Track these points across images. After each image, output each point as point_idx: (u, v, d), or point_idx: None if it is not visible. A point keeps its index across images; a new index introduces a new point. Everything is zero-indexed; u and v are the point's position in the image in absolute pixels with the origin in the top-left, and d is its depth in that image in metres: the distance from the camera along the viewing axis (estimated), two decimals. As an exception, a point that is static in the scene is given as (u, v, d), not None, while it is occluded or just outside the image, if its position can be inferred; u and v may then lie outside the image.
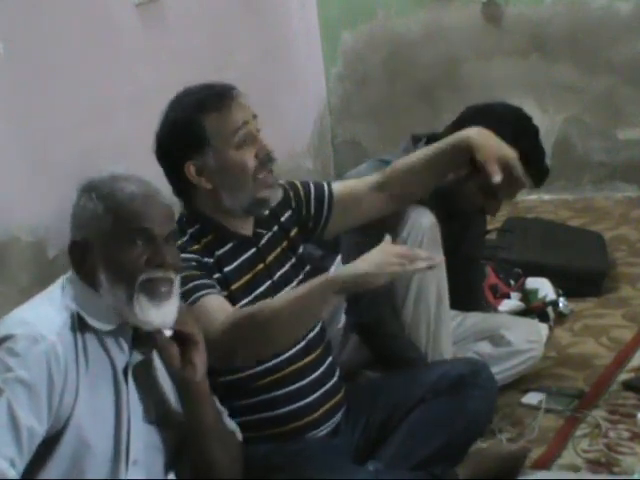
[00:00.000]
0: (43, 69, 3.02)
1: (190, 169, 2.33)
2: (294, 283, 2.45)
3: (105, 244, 1.94)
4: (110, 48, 3.34)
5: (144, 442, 2.00)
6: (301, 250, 2.54)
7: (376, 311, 2.73)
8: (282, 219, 2.50)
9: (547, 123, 4.71)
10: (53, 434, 1.87)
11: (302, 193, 2.57)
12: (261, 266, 2.41)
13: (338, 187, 2.64)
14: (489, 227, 3.34)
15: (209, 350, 2.05)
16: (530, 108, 4.37)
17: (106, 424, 1.95)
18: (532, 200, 4.57)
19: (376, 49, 5.10)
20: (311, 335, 2.45)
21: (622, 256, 4.14)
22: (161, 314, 1.96)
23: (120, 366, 1.98)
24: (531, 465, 2.66)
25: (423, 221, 2.74)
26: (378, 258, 2.13)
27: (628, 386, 3.04)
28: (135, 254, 1.94)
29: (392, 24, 5.03)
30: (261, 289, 2.38)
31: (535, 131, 2.91)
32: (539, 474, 2.62)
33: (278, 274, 2.43)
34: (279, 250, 2.47)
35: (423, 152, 2.66)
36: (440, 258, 2.78)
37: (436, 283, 2.77)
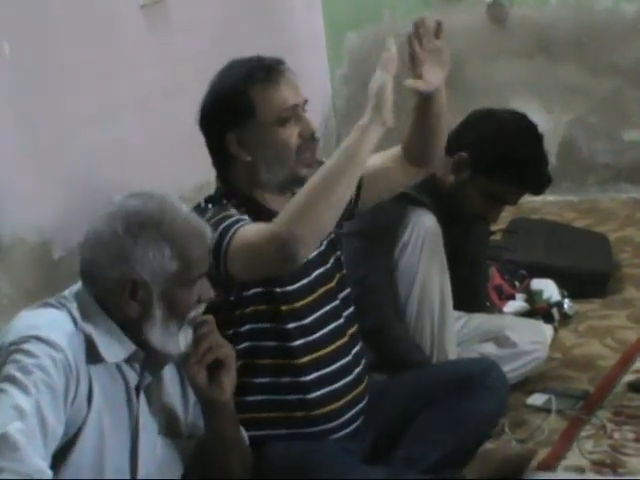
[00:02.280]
0: (48, 70, 3.02)
1: (231, 139, 2.30)
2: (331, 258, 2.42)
3: (165, 284, 1.95)
4: (115, 49, 3.34)
5: (154, 455, 2.01)
6: None
7: (379, 315, 2.73)
8: None
9: (552, 124, 4.71)
10: (63, 443, 1.84)
11: None
12: None
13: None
14: (494, 228, 3.33)
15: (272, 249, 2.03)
16: (535, 109, 4.40)
17: (121, 439, 1.95)
18: (537, 201, 4.55)
19: (381, 50, 5.07)
20: (344, 317, 2.42)
21: (627, 257, 4.14)
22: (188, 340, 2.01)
23: (133, 383, 1.98)
24: (536, 466, 2.66)
25: (425, 223, 2.74)
26: None
27: (633, 387, 3.04)
28: (193, 295, 1.99)
29: (398, 25, 5.02)
30: None
31: (538, 138, 2.88)
32: (544, 475, 2.62)
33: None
34: None
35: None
36: (442, 259, 2.79)
37: (439, 284, 2.77)
